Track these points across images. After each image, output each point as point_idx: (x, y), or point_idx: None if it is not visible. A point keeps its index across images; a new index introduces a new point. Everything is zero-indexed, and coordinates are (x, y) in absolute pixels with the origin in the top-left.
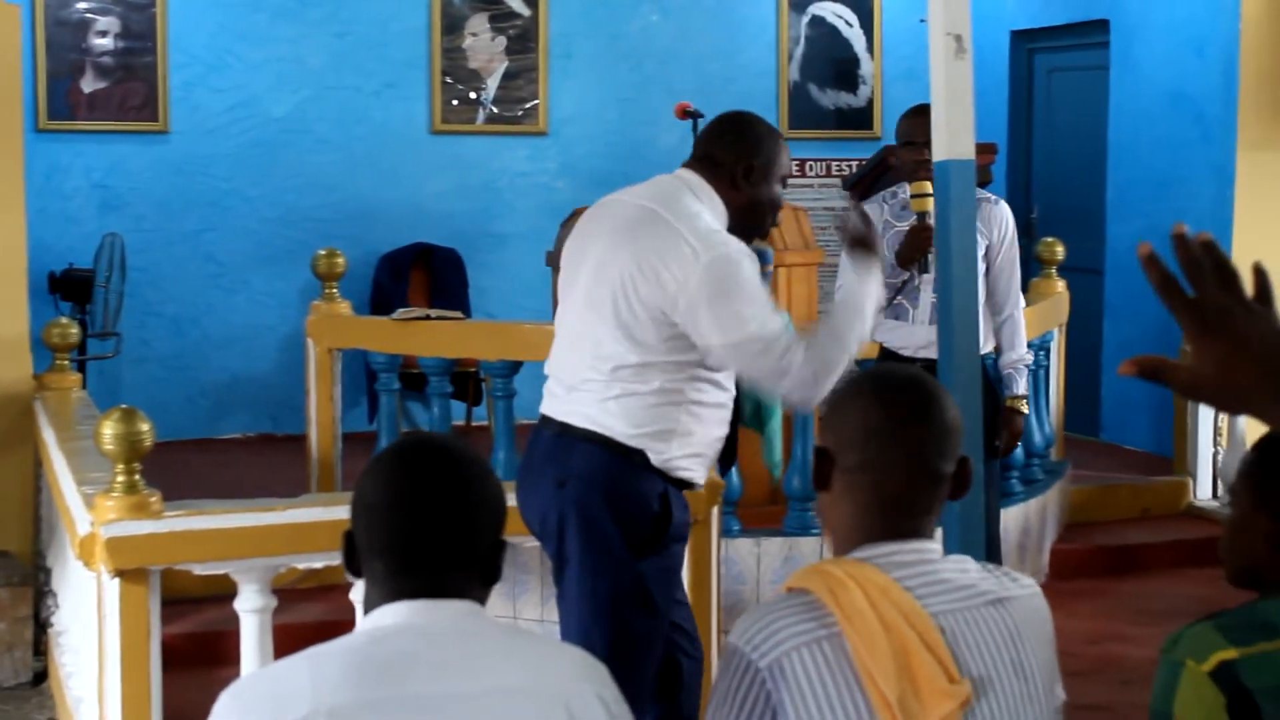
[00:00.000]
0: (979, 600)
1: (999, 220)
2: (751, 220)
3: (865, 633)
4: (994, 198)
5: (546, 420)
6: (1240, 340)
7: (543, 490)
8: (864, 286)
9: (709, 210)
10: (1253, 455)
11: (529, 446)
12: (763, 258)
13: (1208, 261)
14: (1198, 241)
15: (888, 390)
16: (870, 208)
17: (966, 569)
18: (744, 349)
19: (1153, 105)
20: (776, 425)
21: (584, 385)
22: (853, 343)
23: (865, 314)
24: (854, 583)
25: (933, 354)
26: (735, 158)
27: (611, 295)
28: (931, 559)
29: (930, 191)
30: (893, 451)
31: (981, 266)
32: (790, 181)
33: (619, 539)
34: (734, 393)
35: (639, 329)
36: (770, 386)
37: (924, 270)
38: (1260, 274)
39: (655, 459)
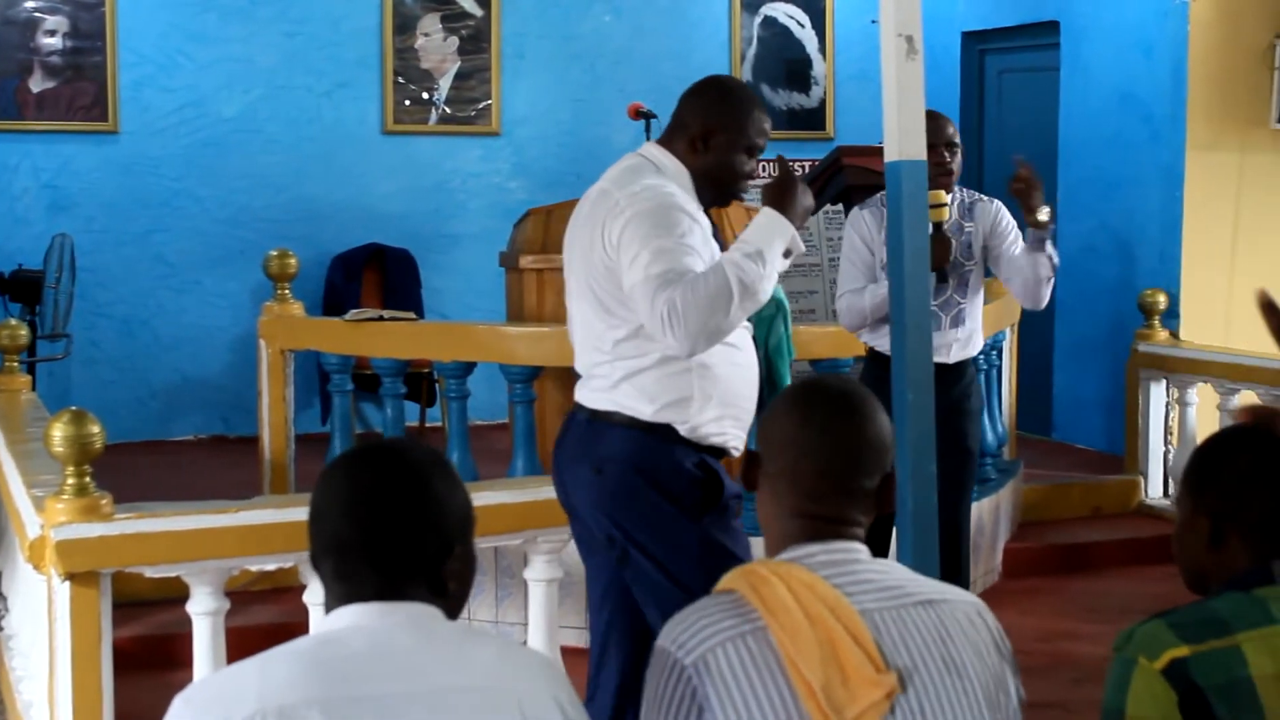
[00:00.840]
0: (907, 600)
1: (992, 213)
2: (711, 187)
3: (789, 624)
4: (988, 198)
5: (578, 406)
6: None
7: (580, 476)
8: (748, 234)
9: (670, 180)
10: (1192, 458)
11: (562, 431)
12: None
13: None
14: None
15: (811, 401)
16: (868, 212)
17: (893, 572)
18: (635, 294)
19: (1102, 106)
20: (783, 346)
21: (596, 371)
22: (717, 293)
23: (736, 263)
24: (778, 578)
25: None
26: (698, 122)
27: (586, 277)
28: (860, 559)
29: (945, 201)
30: (806, 463)
31: (981, 268)
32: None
33: (670, 509)
34: (749, 348)
35: (612, 302)
36: (653, 333)
37: (941, 280)
38: None
39: (682, 429)
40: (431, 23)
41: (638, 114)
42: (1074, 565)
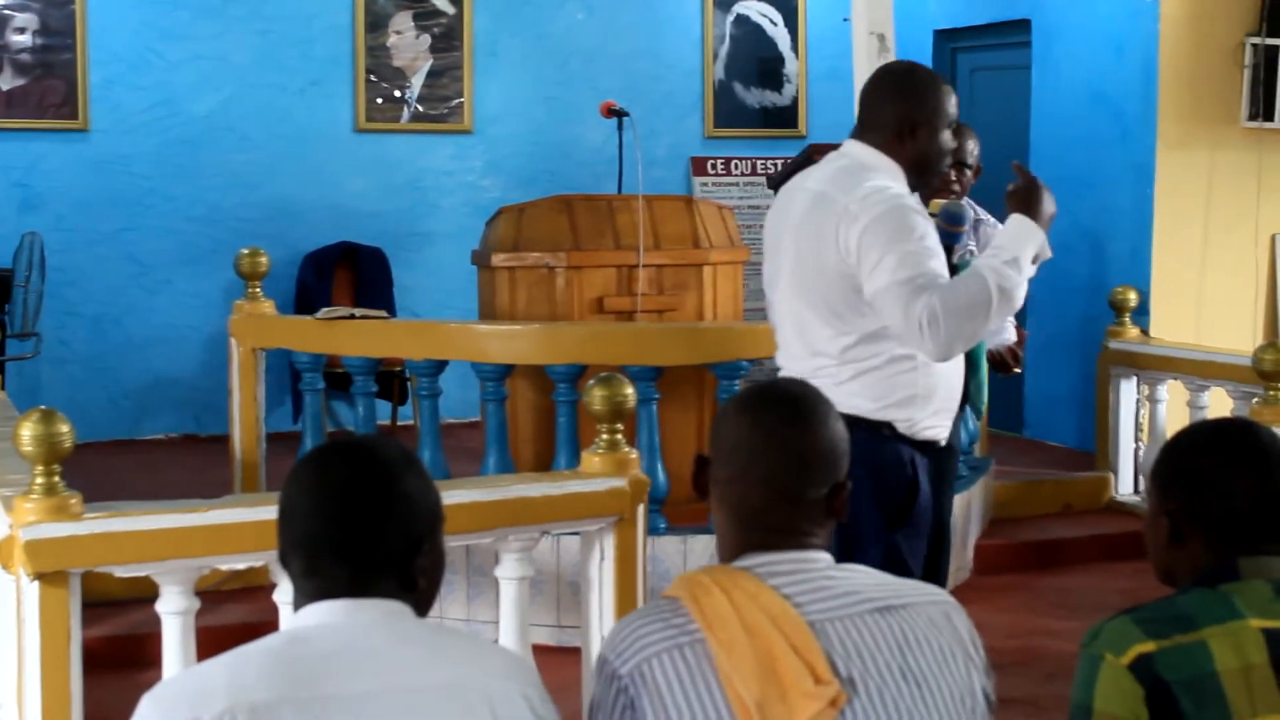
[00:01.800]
0: (864, 607)
1: (988, 237)
2: (921, 173)
3: (726, 638)
4: (994, 220)
5: None
6: None
7: None
8: (1002, 240)
9: (883, 175)
10: (1158, 456)
11: None
12: (957, 219)
13: None
14: None
15: (759, 407)
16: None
17: (853, 578)
18: (882, 299)
19: (1073, 104)
20: (983, 376)
21: (820, 372)
22: (976, 300)
23: (995, 269)
24: (719, 589)
25: None
26: (896, 115)
27: (808, 281)
28: (814, 567)
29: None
30: (753, 470)
31: None
32: (713, 180)
33: (875, 513)
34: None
35: (843, 307)
36: (903, 337)
37: None
38: None
39: (902, 427)
40: (404, 20)
41: (610, 112)
42: (1045, 561)
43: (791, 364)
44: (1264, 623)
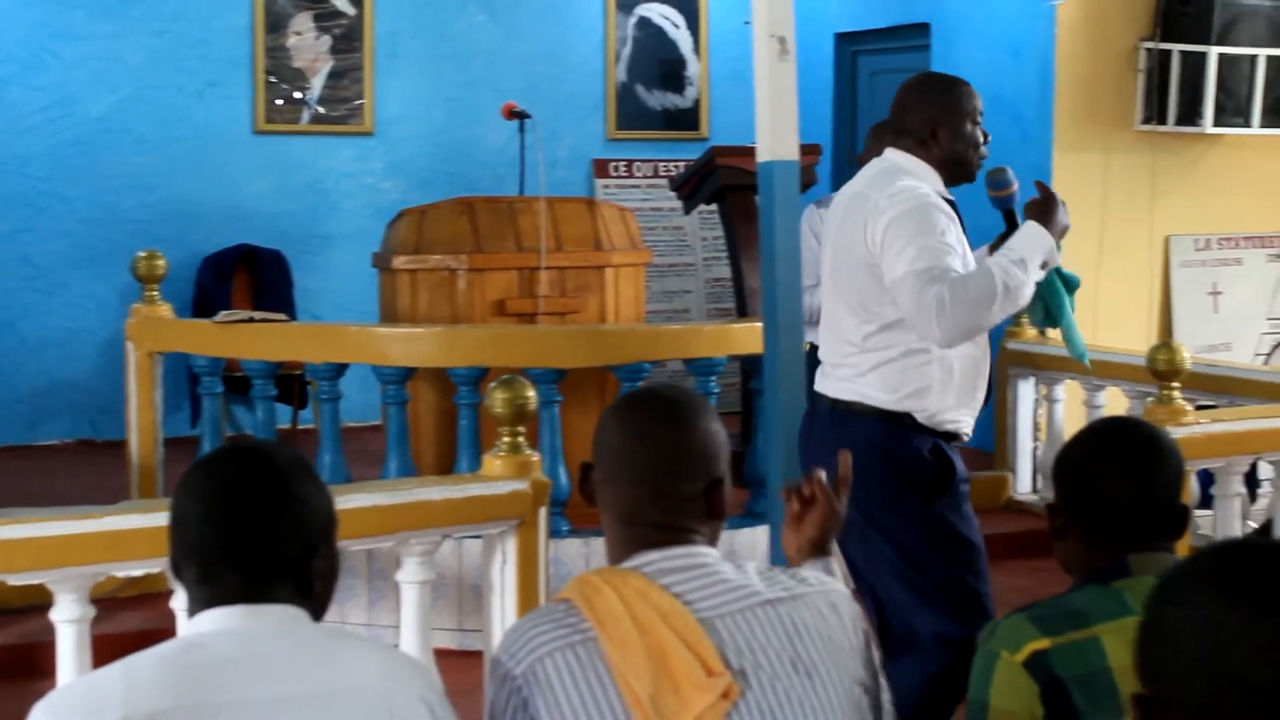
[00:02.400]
0: (752, 601)
1: None
2: (956, 170)
3: (618, 635)
4: None
5: (819, 396)
6: None
7: (829, 464)
8: (1015, 242)
9: (915, 177)
10: (1058, 454)
11: (806, 420)
12: (999, 184)
13: None
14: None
15: (629, 411)
16: (823, 211)
17: (743, 573)
18: (898, 287)
19: None
20: (1070, 320)
21: (844, 362)
22: (983, 293)
23: (1004, 267)
24: (610, 588)
25: None
26: (918, 122)
27: (845, 274)
28: (703, 564)
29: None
30: (623, 470)
31: None
32: (616, 182)
33: (909, 494)
34: (983, 340)
35: (867, 297)
36: (914, 324)
37: None
38: None
39: (920, 417)
40: (304, 21)
41: (512, 114)
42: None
43: (826, 356)
44: None
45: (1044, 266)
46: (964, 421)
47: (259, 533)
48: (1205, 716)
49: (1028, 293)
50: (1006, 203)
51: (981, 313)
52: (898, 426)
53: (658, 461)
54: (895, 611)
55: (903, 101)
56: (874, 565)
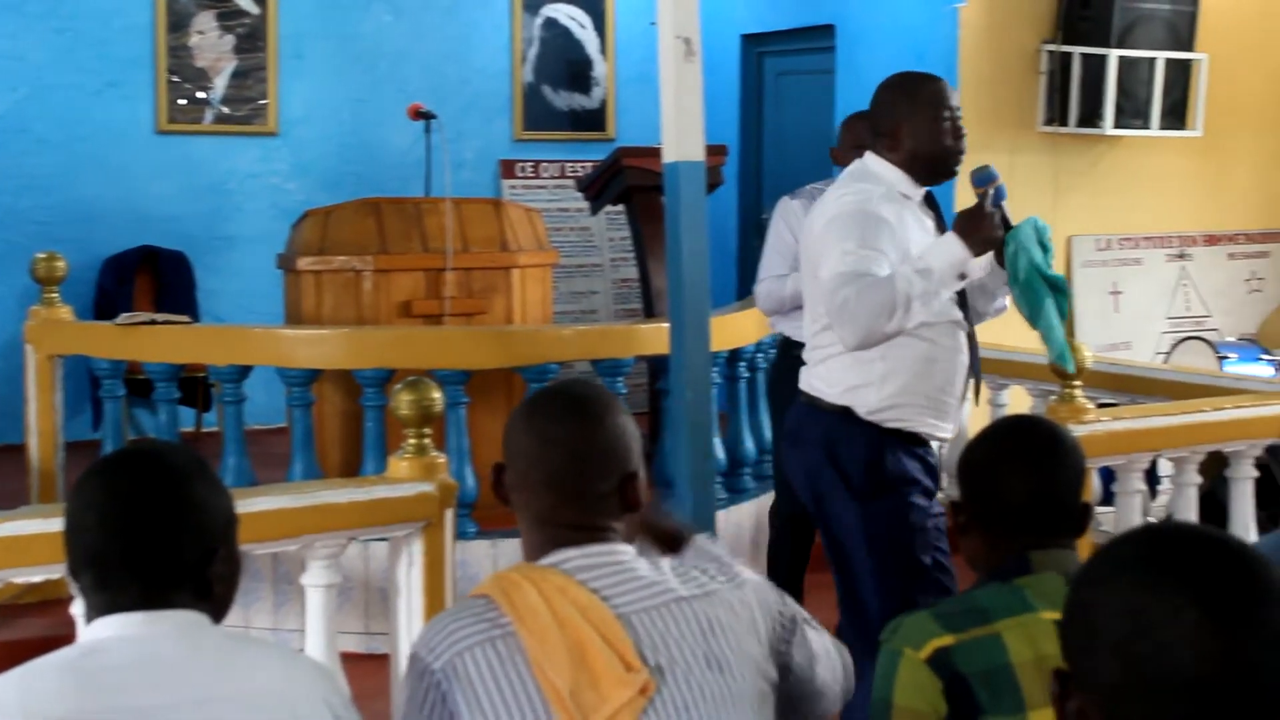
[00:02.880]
0: (668, 597)
1: None
2: (927, 168)
3: (538, 629)
4: None
5: (799, 390)
6: None
7: (790, 454)
8: (923, 250)
9: (880, 183)
10: (961, 452)
11: (787, 414)
12: (981, 180)
13: None
14: None
15: (535, 412)
16: (799, 203)
17: (659, 570)
18: (825, 286)
19: None
20: (1049, 324)
21: (807, 356)
22: (883, 301)
23: (906, 276)
24: (529, 583)
25: None
26: (883, 125)
27: (805, 272)
28: (621, 560)
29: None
30: (535, 471)
31: None
32: (522, 183)
33: (843, 489)
34: (949, 342)
35: (815, 297)
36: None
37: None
38: None
39: (861, 412)
40: (206, 20)
41: (418, 114)
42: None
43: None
44: (1056, 614)
45: (964, 277)
46: (914, 421)
47: (156, 541)
48: (1122, 700)
49: (936, 303)
50: (996, 198)
51: (881, 319)
52: (839, 420)
53: (568, 464)
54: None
55: (873, 103)
56: (829, 554)
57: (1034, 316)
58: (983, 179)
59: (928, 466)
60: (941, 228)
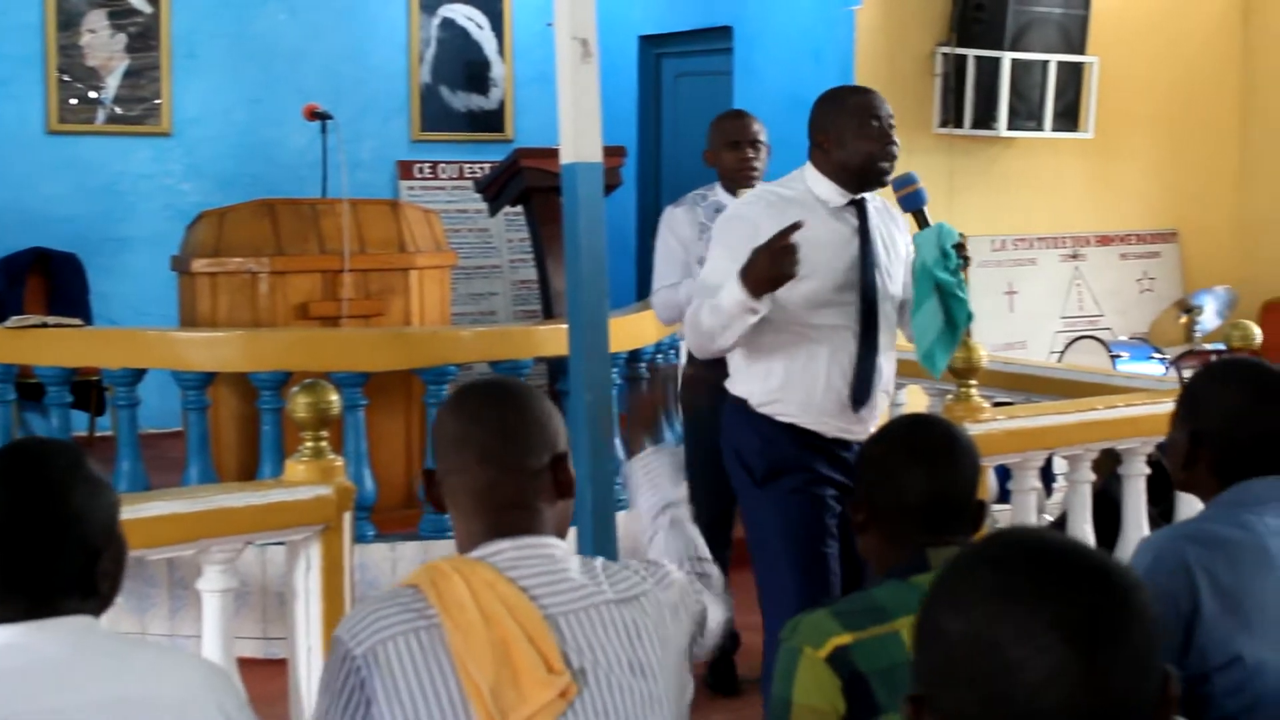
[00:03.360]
0: (597, 600)
1: None
2: (856, 176)
3: (463, 623)
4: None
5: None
6: None
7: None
8: (723, 288)
9: (812, 185)
10: (859, 452)
11: None
12: (899, 184)
13: None
14: None
15: (463, 400)
16: (682, 210)
17: (593, 570)
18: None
19: (774, 109)
20: (925, 321)
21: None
22: (694, 320)
23: (709, 303)
24: (459, 576)
25: None
26: (813, 134)
27: None
28: (554, 557)
29: None
30: (467, 453)
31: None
32: (420, 184)
33: (744, 476)
34: (834, 341)
35: None
36: None
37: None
38: None
39: (753, 404)
40: (98, 19)
41: (314, 115)
42: (749, 558)
43: None
44: None
45: (754, 312)
46: (799, 417)
47: (37, 556)
48: None
49: (734, 330)
50: (910, 204)
51: (705, 340)
52: (739, 412)
53: (499, 437)
54: None
55: (810, 115)
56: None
57: (914, 309)
58: (899, 183)
59: (836, 461)
60: (864, 236)
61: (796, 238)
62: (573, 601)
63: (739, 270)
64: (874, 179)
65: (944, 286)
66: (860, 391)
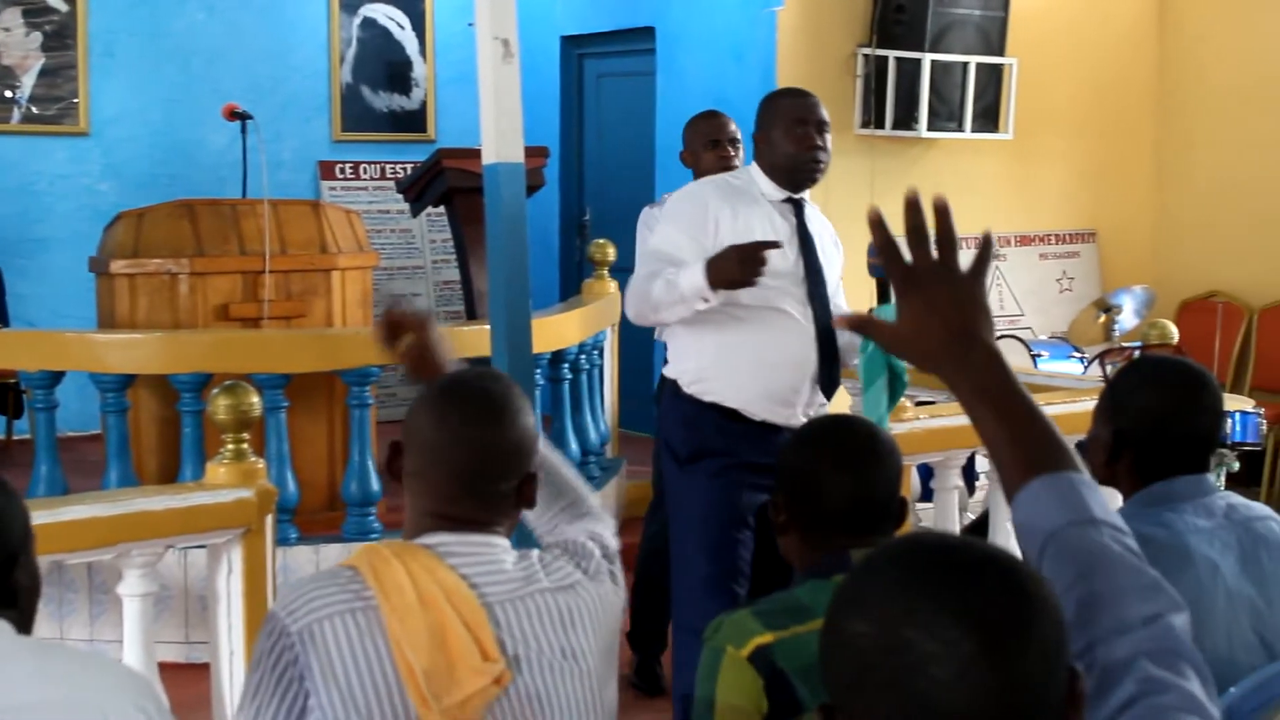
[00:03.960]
0: (533, 588)
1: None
2: (783, 174)
3: (400, 606)
4: None
5: None
6: (933, 302)
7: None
8: (686, 269)
9: (755, 179)
10: (779, 454)
11: None
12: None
13: (935, 228)
14: (933, 205)
15: (447, 405)
16: (658, 210)
17: (529, 559)
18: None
19: (696, 109)
20: (875, 397)
21: None
22: (641, 291)
23: (665, 280)
24: (399, 561)
25: None
26: (754, 135)
27: None
28: (493, 548)
29: None
30: (440, 467)
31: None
32: (342, 185)
33: (670, 457)
34: (772, 326)
35: None
36: None
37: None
38: (985, 244)
39: (683, 384)
40: (12, 17)
41: (233, 115)
42: None
43: None
44: None
45: (706, 300)
46: (730, 397)
47: None
48: None
49: (678, 309)
50: (879, 271)
51: (646, 308)
52: (670, 392)
53: (479, 463)
54: None
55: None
56: None
57: (865, 386)
58: (875, 252)
59: (762, 445)
60: (804, 234)
61: (743, 231)
62: (509, 590)
63: (706, 259)
64: (801, 179)
65: (896, 371)
66: (826, 380)
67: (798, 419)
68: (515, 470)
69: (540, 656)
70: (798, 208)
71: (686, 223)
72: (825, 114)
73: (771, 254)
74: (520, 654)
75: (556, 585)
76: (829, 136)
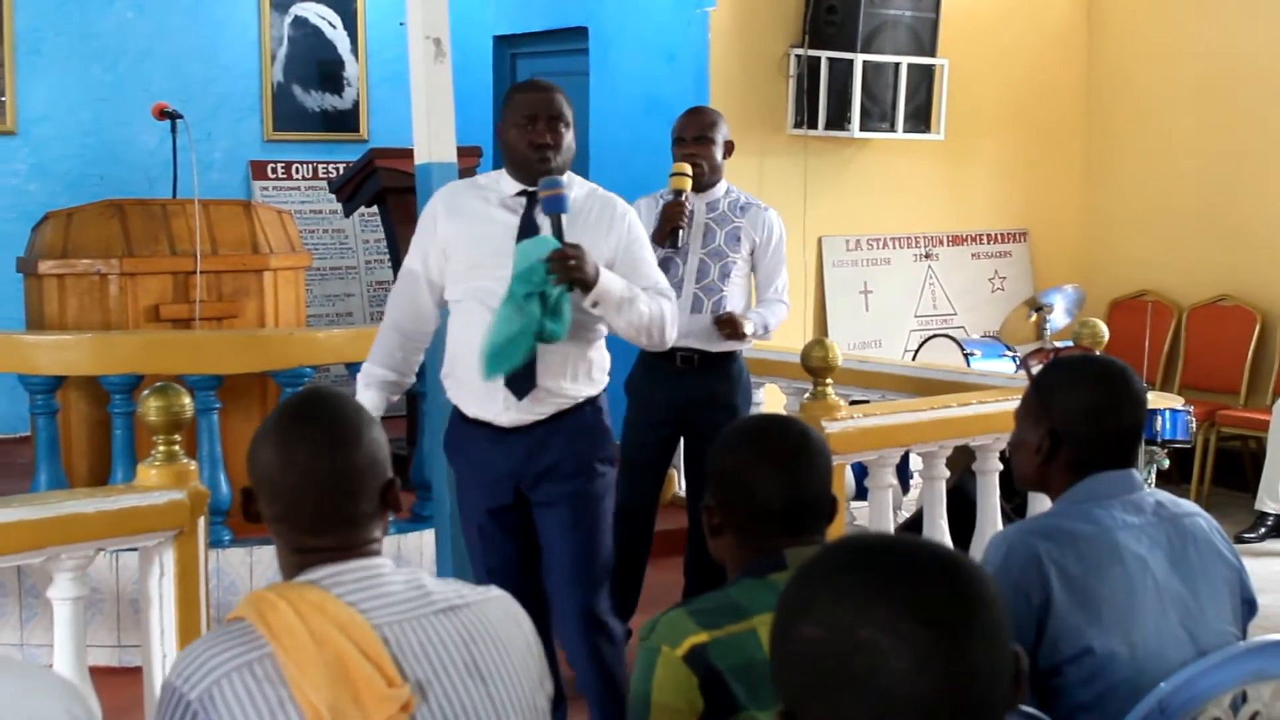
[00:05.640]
0: (428, 609)
1: (765, 224)
2: (514, 167)
3: (294, 648)
4: (764, 205)
5: None
6: None
7: None
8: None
9: (492, 175)
10: (710, 455)
11: None
12: (549, 184)
13: None
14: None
15: (286, 443)
16: (643, 204)
17: (418, 582)
18: None
19: (630, 109)
20: (497, 325)
21: None
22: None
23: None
24: (285, 602)
25: (691, 343)
26: (495, 128)
27: None
28: (379, 574)
29: (689, 171)
30: (300, 509)
31: (746, 266)
32: (274, 184)
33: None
34: (465, 317)
35: None
36: None
37: (674, 244)
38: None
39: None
40: None
41: (163, 114)
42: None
43: None
44: None
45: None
46: (464, 403)
47: None
48: None
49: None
50: (549, 207)
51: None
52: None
53: (334, 494)
54: None
55: None
56: None
57: (507, 298)
58: (547, 184)
59: (507, 456)
60: (524, 225)
61: (461, 231)
62: (401, 614)
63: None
64: (531, 172)
65: (513, 295)
66: (519, 382)
67: (530, 418)
68: (374, 484)
69: (446, 678)
70: (531, 200)
71: (420, 231)
72: (561, 106)
73: (480, 245)
74: (424, 678)
75: (448, 605)
76: (563, 128)
